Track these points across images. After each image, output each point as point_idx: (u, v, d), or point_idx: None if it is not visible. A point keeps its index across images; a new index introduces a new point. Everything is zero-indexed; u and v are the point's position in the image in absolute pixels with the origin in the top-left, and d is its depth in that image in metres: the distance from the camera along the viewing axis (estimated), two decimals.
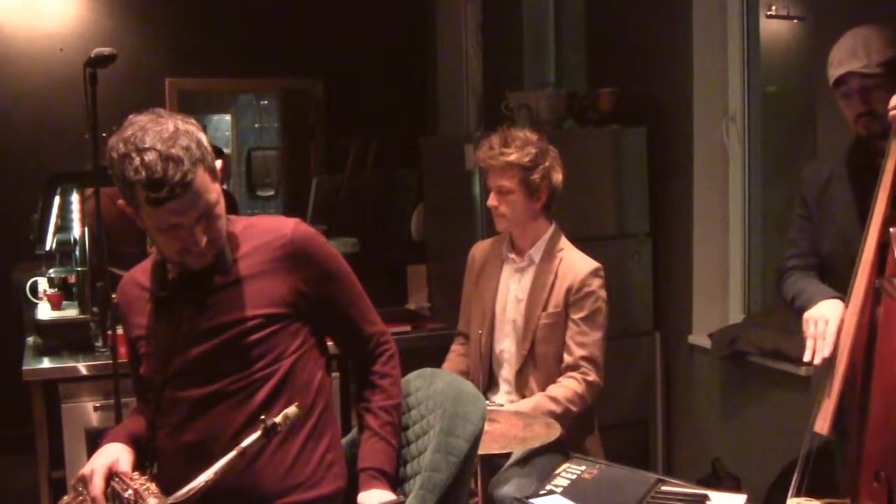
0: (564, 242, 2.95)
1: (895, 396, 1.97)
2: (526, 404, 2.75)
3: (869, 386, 2.04)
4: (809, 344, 2.13)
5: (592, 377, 2.81)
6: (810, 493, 2.09)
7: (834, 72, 2.22)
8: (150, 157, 1.69)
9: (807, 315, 2.19)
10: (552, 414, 2.70)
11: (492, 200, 2.90)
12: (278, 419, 1.64)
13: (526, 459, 2.71)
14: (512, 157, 2.81)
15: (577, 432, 2.85)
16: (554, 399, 2.76)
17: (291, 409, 1.67)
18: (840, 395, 2.04)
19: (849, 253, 2.20)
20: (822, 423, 2.04)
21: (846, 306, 2.10)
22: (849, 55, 2.18)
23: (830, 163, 2.42)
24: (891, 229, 2.03)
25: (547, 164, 2.86)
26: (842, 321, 2.10)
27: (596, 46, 4.51)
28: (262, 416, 1.66)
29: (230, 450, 1.64)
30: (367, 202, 5.08)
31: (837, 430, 2.09)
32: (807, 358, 2.12)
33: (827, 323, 2.12)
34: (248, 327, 1.87)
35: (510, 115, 4.08)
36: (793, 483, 2.09)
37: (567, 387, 2.79)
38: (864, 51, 2.16)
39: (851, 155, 2.34)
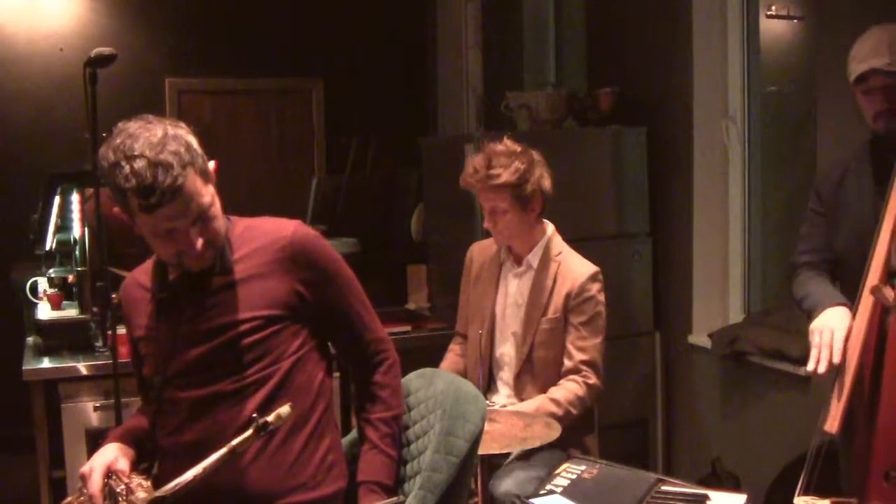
0: (562, 245, 2.94)
1: None
2: (528, 406, 2.75)
3: (878, 385, 2.03)
4: (814, 353, 2.10)
5: (593, 380, 2.82)
6: (816, 493, 2.08)
7: (857, 67, 2.19)
8: (139, 164, 1.70)
9: (813, 325, 2.17)
10: (553, 416, 2.70)
11: (487, 222, 2.86)
12: (270, 418, 1.64)
13: (526, 456, 2.71)
14: (501, 179, 2.76)
15: (578, 430, 2.85)
16: (555, 401, 2.76)
17: (284, 409, 1.67)
18: (850, 394, 2.03)
19: (862, 249, 2.17)
20: (832, 423, 2.03)
21: (858, 304, 2.08)
22: (872, 52, 2.16)
23: (845, 159, 2.39)
24: None
25: (536, 173, 2.81)
26: (850, 326, 2.09)
27: (596, 46, 4.51)
28: (255, 415, 1.66)
29: None
30: (367, 202, 5.08)
31: (844, 429, 2.08)
32: (810, 367, 2.09)
33: (833, 332, 2.10)
34: (247, 329, 1.87)
35: (510, 114, 4.08)
36: (800, 482, 2.08)
37: (568, 389, 2.79)
38: (888, 49, 2.13)
39: (868, 151, 2.31)
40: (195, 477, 1.60)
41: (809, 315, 2.25)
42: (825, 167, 2.45)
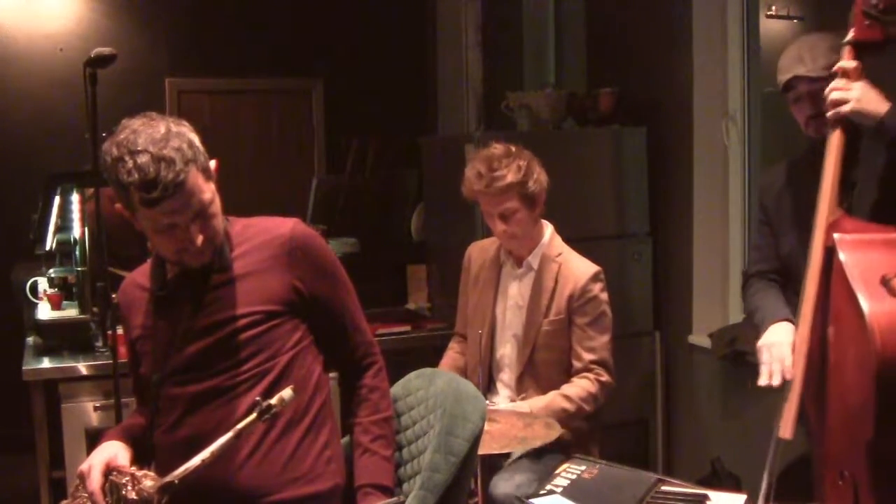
0: (562, 246, 2.94)
1: (848, 397, 1.98)
2: (539, 402, 2.75)
3: (825, 388, 2.06)
4: (764, 370, 2.16)
5: (605, 378, 2.82)
6: (787, 500, 2.09)
7: (781, 77, 2.30)
8: (142, 159, 1.72)
9: (759, 344, 2.24)
10: (565, 412, 2.71)
11: (500, 226, 2.84)
12: (273, 401, 1.67)
13: (526, 456, 2.71)
14: (507, 179, 2.77)
15: (578, 430, 2.85)
16: (567, 397, 2.76)
17: (287, 392, 1.69)
18: (800, 399, 2.06)
19: (805, 255, 2.22)
20: (785, 428, 2.05)
21: (798, 313, 2.11)
22: (795, 61, 2.26)
23: (785, 167, 2.47)
24: (834, 234, 2.04)
25: (536, 169, 2.83)
26: (795, 338, 2.13)
27: (596, 46, 4.51)
28: (258, 398, 1.68)
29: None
30: (367, 202, 5.07)
31: (812, 437, 2.12)
32: (762, 382, 2.15)
33: (781, 347, 2.16)
34: (245, 323, 1.89)
35: (510, 114, 4.08)
36: (762, 492, 2.09)
37: (581, 386, 2.79)
38: (809, 55, 2.24)
39: (808, 159, 2.37)
40: (203, 462, 1.63)
41: (758, 329, 2.31)
42: (767, 178, 2.53)
